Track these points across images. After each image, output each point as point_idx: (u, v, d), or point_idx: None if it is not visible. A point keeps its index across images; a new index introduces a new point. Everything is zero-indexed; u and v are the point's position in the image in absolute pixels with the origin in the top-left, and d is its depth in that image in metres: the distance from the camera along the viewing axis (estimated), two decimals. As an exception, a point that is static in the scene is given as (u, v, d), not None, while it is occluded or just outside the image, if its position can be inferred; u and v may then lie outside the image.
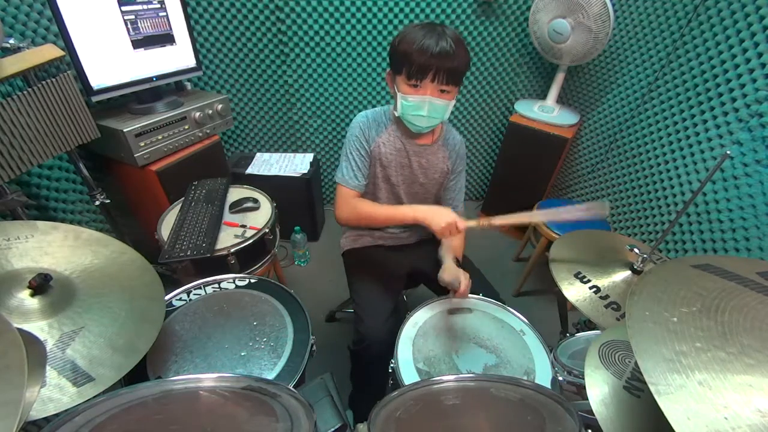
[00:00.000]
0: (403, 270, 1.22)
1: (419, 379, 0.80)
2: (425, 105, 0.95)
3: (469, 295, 1.02)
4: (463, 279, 0.97)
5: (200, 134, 1.59)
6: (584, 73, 1.96)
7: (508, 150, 2.09)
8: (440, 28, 0.92)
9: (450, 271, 1.00)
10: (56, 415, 0.49)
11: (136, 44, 1.36)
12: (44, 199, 1.31)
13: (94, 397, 0.54)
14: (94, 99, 1.30)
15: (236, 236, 1.19)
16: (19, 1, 1.17)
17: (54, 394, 0.53)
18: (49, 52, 1.05)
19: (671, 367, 0.40)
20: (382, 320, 1.03)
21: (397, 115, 1.03)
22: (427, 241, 1.24)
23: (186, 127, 1.52)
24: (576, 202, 1.99)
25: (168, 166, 1.46)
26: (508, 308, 0.99)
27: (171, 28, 1.46)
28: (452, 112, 2.16)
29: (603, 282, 0.89)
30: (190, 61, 1.58)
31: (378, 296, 1.11)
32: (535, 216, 1.05)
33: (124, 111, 1.43)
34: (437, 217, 0.95)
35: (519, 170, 2.07)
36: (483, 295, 1.03)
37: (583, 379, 0.64)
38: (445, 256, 1.04)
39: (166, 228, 1.21)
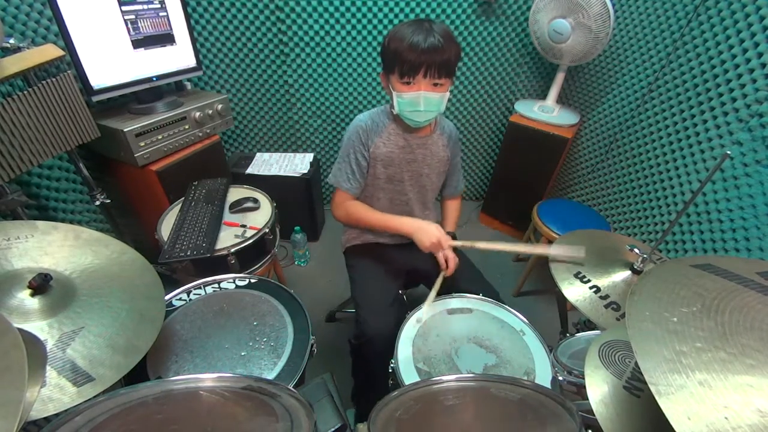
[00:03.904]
0: (403, 267, 1.23)
1: (419, 379, 0.80)
2: (420, 100, 0.97)
3: (469, 296, 1.03)
4: (451, 258, 1.05)
5: (200, 134, 1.59)
6: (584, 73, 1.96)
7: (508, 150, 2.09)
8: (427, 24, 0.93)
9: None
10: (56, 415, 0.49)
11: (137, 44, 1.36)
12: (44, 199, 1.31)
13: (94, 397, 0.54)
14: (94, 99, 1.30)
15: (236, 236, 1.19)
16: (19, 1, 1.17)
17: (54, 394, 0.53)
18: (49, 52, 1.05)
19: (671, 367, 0.40)
20: (382, 313, 1.05)
21: (395, 113, 1.04)
22: None
23: (186, 127, 1.52)
24: (576, 203, 1.99)
25: (168, 166, 1.46)
26: (508, 308, 0.99)
27: (171, 28, 1.46)
28: (452, 111, 2.19)
29: (603, 282, 0.89)
30: (190, 61, 1.58)
31: (378, 290, 1.12)
32: (519, 247, 1.14)
33: (124, 111, 1.43)
34: (423, 233, 1.02)
35: (519, 170, 2.07)
36: (483, 295, 1.03)
37: (583, 379, 0.64)
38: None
39: (166, 228, 1.21)
